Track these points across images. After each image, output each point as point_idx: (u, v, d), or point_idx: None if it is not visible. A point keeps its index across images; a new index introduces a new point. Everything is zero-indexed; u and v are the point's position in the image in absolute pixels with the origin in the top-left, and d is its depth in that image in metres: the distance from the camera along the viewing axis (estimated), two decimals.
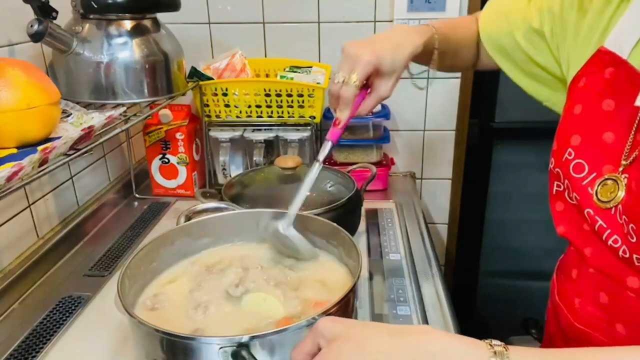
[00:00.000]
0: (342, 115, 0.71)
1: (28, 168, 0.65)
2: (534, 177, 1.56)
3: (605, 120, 0.59)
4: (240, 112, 1.21)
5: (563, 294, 0.70)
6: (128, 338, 0.74)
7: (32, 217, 0.98)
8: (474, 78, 1.41)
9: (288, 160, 1.00)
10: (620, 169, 0.57)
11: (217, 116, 1.22)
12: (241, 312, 0.68)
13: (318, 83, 1.20)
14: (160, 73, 1.02)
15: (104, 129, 0.86)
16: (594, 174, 0.60)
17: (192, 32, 1.35)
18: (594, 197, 0.59)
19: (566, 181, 0.63)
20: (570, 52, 0.67)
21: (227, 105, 1.20)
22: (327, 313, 0.56)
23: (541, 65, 0.73)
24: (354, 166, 1.12)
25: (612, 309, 0.61)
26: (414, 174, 1.49)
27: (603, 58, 0.60)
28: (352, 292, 0.61)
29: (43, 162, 0.68)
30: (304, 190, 0.74)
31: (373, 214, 1.17)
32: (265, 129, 1.23)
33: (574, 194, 0.62)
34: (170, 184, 1.27)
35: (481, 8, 0.85)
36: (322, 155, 0.73)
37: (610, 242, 0.58)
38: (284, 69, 1.30)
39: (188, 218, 0.84)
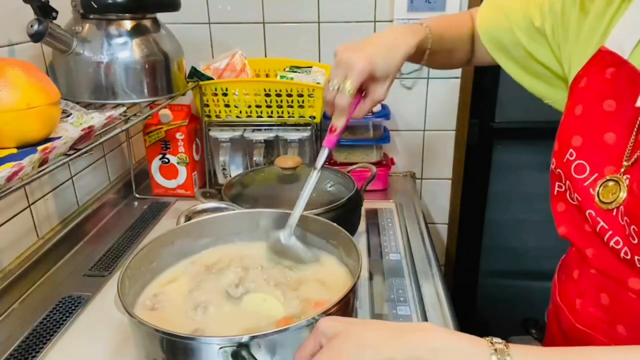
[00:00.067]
0: (338, 123, 0.71)
1: (28, 168, 0.65)
2: (534, 177, 1.56)
3: (607, 121, 0.59)
4: (240, 112, 1.21)
5: (564, 294, 0.70)
6: (128, 338, 0.74)
7: (32, 217, 0.98)
8: (474, 78, 1.41)
9: (288, 160, 1.00)
10: (622, 169, 0.57)
11: (217, 116, 1.22)
12: (241, 312, 0.68)
13: (318, 83, 1.20)
14: (160, 73, 1.02)
15: (104, 129, 0.86)
16: (596, 175, 0.59)
17: (192, 32, 1.35)
18: (596, 198, 0.59)
19: (567, 182, 0.63)
20: (572, 52, 0.66)
21: (227, 105, 1.20)
22: (327, 313, 0.56)
23: (542, 63, 0.73)
24: (354, 166, 1.12)
25: (614, 310, 0.61)
26: (414, 174, 1.49)
27: (604, 58, 0.60)
28: (352, 292, 0.61)
29: (43, 162, 0.68)
30: (304, 199, 0.74)
31: (373, 214, 1.17)
32: (265, 129, 1.23)
33: (576, 195, 0.62)
34: (170, 184, 1.27)
35: None
36: (319, 163, 0.73)
37: (611, 243, 0.57)
38: (284, 69, 1.30)
39: (188, 218, 0.84)
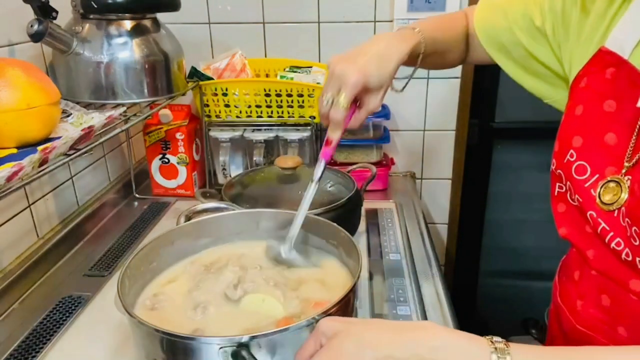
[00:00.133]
0: (334, 135, 0.71)
1: (28, 168, 0.65)
2: (534, 177, 1.56)
3: (607, 122, 0.59)
4: (240, 112, 1.21)
5: (565, 295, 0.70)
6: (128, 338, 0.74)
7: (32, 217, 0.98)
8: (474, 78, 1.41)
9: (288, 160, 1.00)
10: (623, 170, 0.57)
11: (217, 116, 1.22)
12: (241, 312, 0.68)
13: (318, 83, 1.20)
14: (160, 73, 1.02)
15: (104, 129, 0.86)
16: (597, 176, 0.59)
17: (192, 32, 1.35)
18: (597, 200, 0.59)
19: (568, 183, 0.63)
20: (572, 52, 0.66)
21: (227, 105, 1.20)
22: (327, 313, 0.56)
23: (542, 62, 0.72)
24: (354, 166, 1.12)
25: (615, 312, 0.60)
26: (414, 174, 1.49)
27: (604, 58, 0.60)
28: (352, 292, 0.61)
29: (43, 162, 0.68)
30: (302, 212, 0.74)
31: (373, 214, 1.17)
32: (265, 129, 1.23)
33: (576, 195, 0.61)
34: (170, 184, 1.27)
35: None
36: (317, 175, 0.73)
37: (613, 244, 0.57)
38: (284, 69, 1.30)
39: (188, 218, 0.84)
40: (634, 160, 0.56)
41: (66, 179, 1.09)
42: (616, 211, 0.57)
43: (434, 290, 0.90)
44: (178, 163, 1.24)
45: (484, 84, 1.45)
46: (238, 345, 0.53)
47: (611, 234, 0.57)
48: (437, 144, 1.48)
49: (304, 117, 1.20)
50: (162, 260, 0.76)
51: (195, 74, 1.16)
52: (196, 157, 1.27)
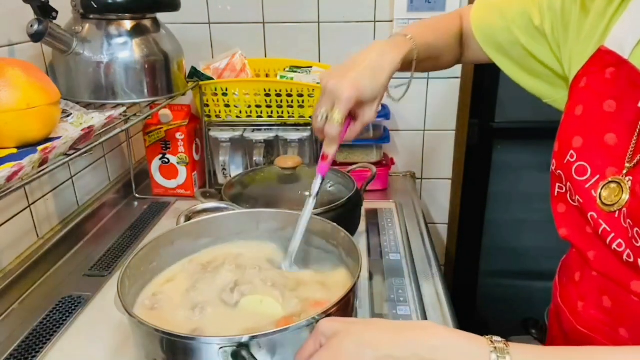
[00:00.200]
0: (330, 150, 0.71)
1: (28, 168, 0.65)
2: (534, 178, 1.56)
3: (607, 122, 0.58)
4: (240, 112, 1.21)
5: (566, 296, 0.70)
6: (128, 338, 0.74)
7: (32, 217, 0.98)
8: (474, 78, 1.41)
9: (288, 160, 1.00)
10: (624, 171, 0.56)
11: (217, 116, 1.22)
12: (239, 313, 0.68)
13: (318, 83, 1.20)
14: (160, 73, 1.02)
15: (104, 129, 0.86)
16: (597, 177, 0.59)
17: (192, 32, 1.35)
18: (598, 201, 0.58)
19: (568, 183, 0.62)
20: (572, 51, 0.66)
21: (227, 105, 1.20)
22: (327, 313, 0.56)
23: (541, 61, 0.72)
24: (354, 166, 1.12)
25: (616, 313, 0.60)
26: (414, 174, 1.49)
27: (603, 58, 0.60)
28: (352, 292, 0.61)
29: (43, 162, 0.68)
30: (302, 228, 0.74)
31: (373, 214, 1.17)
32: (265, 129, 1.23)
33: (577, 196, 0.61)
34: (170, 184, 1.27)
35: None
36: (314, 191, 0.73)
37: (614, 246, 0.57)
38: (284, 69, 1.30)
39: (188, 218, 0.83)
40: (635, 161, 0.56)
41: (66, 179, 1.09)
42: (617, 212, 0.56)
43: (434, 290, 0.90)
44: (178, 163, 1.25)
45: (484, 84, 1.45)
46: (238, 345, 0.53)
47: (612, 235, 0.57)
48: (437, 144, 1.48)
49: (304, 117, 1.20)
50: (162, 260, 0.76)
51: (195, 74, 1.16)
52: (196, 157, 1.27)
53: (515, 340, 0.47)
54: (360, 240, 1.04)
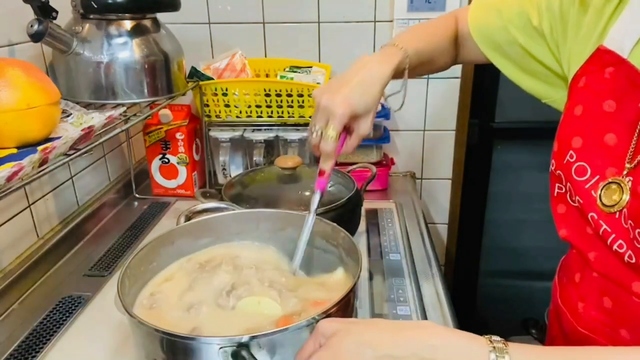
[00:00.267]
0: (326, 166, 0.72)
1: (28, 168, 0.65)
2: (534, 178, 1.56)
3: (607, 122, 0.58)
4: (240, 112, 1.21)
5: (566, 297, 0.69)
6: (128, 338, 0.74)
7: (32, 217, 0.98)
8: (474, 78, 1.41)
9: (288, 160, 1.00)
10: (624, 172, 0.56)
11: (217, 116, 1.22)
12: (237, 315, 0.68)
13: (318, 83, 1.20)
14: (160, 73, 1.02)
15: (104, 129, 0.86)
16: (597, 177, 0.58)
17: (192, 32, 1.35)
18: (598, 201, 0.58)
19: (568, 184, 0.62)
20: (571, 50, 0.66)
21: (227, 105, 1.20)
22: (327, 313, 0.56)
23: (540, 61, 0.72)
24: (354, 166, 1.12)
25: (617, 314, 0.60)
26: (414, 174, 1.49)
27: (602, 57, 0.59)
28: (352, 292, 0.61)
29: (43, 162, 0.68)
30: (302, 244, 0.74)
31: (373, 214, 1.17)
32: (265, 129, 1.23)
33: (577, 197, 0.61)
34: (170, 184, 1.27)
35: None
36: (313, 207, 0.73)
37: (615, 247, 0.56)
38: (284, 69, 1.30)
39: (188, 218, 0.83)
40: (635, 162, 0.55)
41: (66, 179, 1.09)
42: (617, 213, 0.56)
43: (434, 290, 0.90)
44: (178, 163, 1.25)
45: (484, 84, 1.45)
46: (238, 345, 0.53)
47: (613, 236, 0.57)
48: (437, 144, 1.48)
49: (304, 117, 1.20)
50: (162, 260, 0.76)
51: (195, 74, 1.16)
52: (196, 157, 1.27)
53: (515, 340, 0.47)
54: (360, 240, 1.04)
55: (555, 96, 0.73)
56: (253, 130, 1.23)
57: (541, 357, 0.47)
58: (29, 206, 0.97)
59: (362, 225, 1.08)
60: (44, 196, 1.01)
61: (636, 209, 0.54)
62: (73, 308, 0.84)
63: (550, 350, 0.50)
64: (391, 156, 1.43)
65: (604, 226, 0.57)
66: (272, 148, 1.26)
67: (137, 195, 1.28)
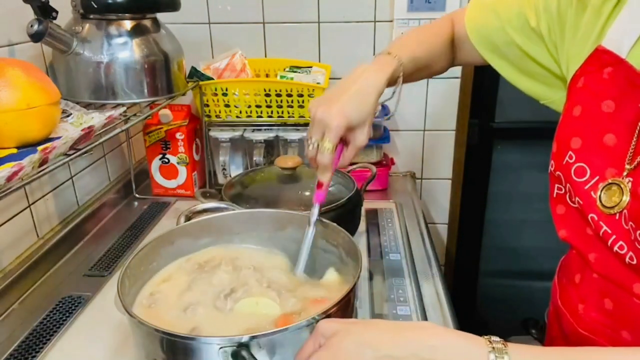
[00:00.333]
0: (324, 178, 0.72)
1: (28, 168, 0.65)
2: (534, 178, 1.56)
3: (606, 122, 0.58)
4: (240, 112, 1.21)
5: (566, 299, 0.69)
6: (128, 338, 0.74)
7: (32, 217, 0.98)
8: (474, 78, 1.41)
9: (288, 160, 1.00)
10: (625, 173, 0.56)
11: (217, 116, 1.22)
12: (235, 316, 0.68)
13: (318, 83, 1.20)
14: (160, 73, 1.02)
15: (104, 129, 0.86)
16: (597, 178, 0.58)
17: (192, 32, 1.35)
18: (597, 202, 0.58)
19: (568, 185, 0.62)
20: (569, 51, 0.65)
21: (227, 105, 1.20)
22: (327, 313, 0.56)
23: (538, 62, 0.72)
24: (354, 166, 1.12)
25: (618, 316, 0.59)
26: (414, 174, 1.49)
27: (601, 57, 0.59)
28: (352, 292, 0.61)
29: (43, 162, 0.68)
30: (303, 258, 0.74)
31: (373, 214, 1.17)
32: (265, 129, 1.23)
33: (577, 198, 0.61)
34: (170, 184, 1.27)
35: None
36: (312, 219, 0.73)
37: (615, 248, 0.56)
38: (284, 69, 1.30)
39: (188, 218, 0.83)
40: (635, 163, 0.55)
41: (66, 179, 1.09)
42: (617, 214, 0.56)
43: (434, 290, 0.90)
44: (178, 163, 1.25)
45: (484, 84, 1.45)
46: (238, 345, 0.53)
47: (613, 237, 0.56)
48: (437, 144, 1.48)
49: (304, 117, 1.20)
50: (162, 260, 0.76)
51: (195, 74, 1.16)
52: (196, 157, 1.27)
53: (515, 340, 0.47)
54: (360, 240, 1.05)
55: (554, 97, 0.73)
56: (253, 130, 1.23)
57: (540, 357, 0.47)
58: (29, 206, 0.97)
59: (362, 225, 1.08)
60: (44, 196, 1.01)
61: (636, 210, 0.54)
62: (73, 308, 0.84)
63: (549, 350, 0.50)
64: (391, 156, 1.43)
65: (604, 227, 0.57)
66: (272, 148, 1.26)
67: (137, 195, 1.28)
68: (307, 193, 0.96)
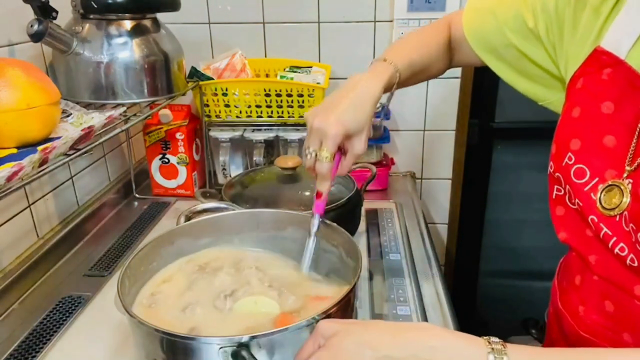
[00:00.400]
0: (323, 188, 0.72)
1: (28, 168, 0.65)
2: (534, 178, 1.56)
3: (605, 124, 0.58)
4: (240, 112, 1.21)
5: (566, 301, 0.68)
6: (128, 338, 0.74)
7: (32, 217, 0.98)
8: (474, 78, 1.41)
9: (288, 160, 1.00)
10: (625, 174, 0.56)
11: (217, 116, 1.22)
12: (235, 316, 0.68)
13: (318, 83, 1.20)
14: (160, 73, 1.02)
15: (104, 129, 0.86)
16: (596, 179, 0.58)
17: (192, 32, 1.35)
18: (597, 204, 0.57)
19: (567, 186, 0.62)
20: (568, 52, 0.65)
21: (227, 105, 1.20)
22: (327, 313, 0.56)
23: (536, 63, 0.71)
24: (354, 166, 1.11)
25: (619, 318, 0.59)
26: (414, 174, 1.49)
27: (600, 58, 0.59)
28: (352, 292, 0.61)
29: (43, 162, 0.68)
30: (305, 267, 0.74)
31: (373, 214, 1.17)
32: (265, 129, 1.23)
33: (576, 199, 0.60)
34: (170, 184, 1.27)
35: None
36: (313, 230, 0.73)
37: (616, 250, 0.56)
38: (284, 69, 1.30)
39: (188, 218, 0.84)
40: (635, 164, 0.55)
41: (66, 179, 1.09)
42: (618, 216, 0.55)
43: (434, 290, 0.90)
44: (178, 163, 1.25)
45: (484, 84, 1.45)
46: (238, 345, 0.53)
47: (614, 239, 0.56)
48: (437, 144, 1.48)
49: (303, 117, 1.20)
50: (162, 260, 0.76)
51: (195, 74, 1.16)
52: (196, 157, 1.27)
53: (515, 340, 0.47)
54: (360, 240, 1.05)
55: (552, 98, 0.73)
56: (253, 130, 1.23)
57: (539, 358, 0.47)
58: (29, 206, 0.97)
59: (362, 225, 1.08)
60: (44, 196, 1.01)
61: (637, 212, 0.53)
62: (73, 308, 0.85)
63: (549, 351, 0.50)
64: (391, 156, 1.43)
65: (605, 229, 0.57)
66: (272, 148, 1.26)
67: (137, 195, 1.28)
68: (307, 193, 0.96)
